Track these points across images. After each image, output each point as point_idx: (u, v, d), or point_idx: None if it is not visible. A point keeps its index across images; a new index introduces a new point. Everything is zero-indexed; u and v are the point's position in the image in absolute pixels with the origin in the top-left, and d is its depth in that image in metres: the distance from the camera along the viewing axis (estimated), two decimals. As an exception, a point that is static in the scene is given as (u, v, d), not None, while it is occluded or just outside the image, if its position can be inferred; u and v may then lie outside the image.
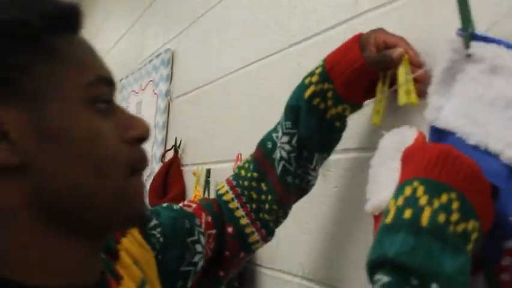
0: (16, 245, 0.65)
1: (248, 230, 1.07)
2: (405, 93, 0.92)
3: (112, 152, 0.68)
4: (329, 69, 1.00)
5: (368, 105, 1.06)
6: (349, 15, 1.20)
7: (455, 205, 0.66)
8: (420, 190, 0.67)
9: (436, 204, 0.66)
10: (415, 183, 0.68)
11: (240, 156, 1.53)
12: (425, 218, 0.65)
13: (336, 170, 1.18)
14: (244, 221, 1.07)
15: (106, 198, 0.68)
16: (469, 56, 0.81)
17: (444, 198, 0.66)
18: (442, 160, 0.69)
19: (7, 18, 0.64)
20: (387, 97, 0.99)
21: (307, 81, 1.04)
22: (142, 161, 0.73)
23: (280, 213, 1.09)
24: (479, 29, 0.81)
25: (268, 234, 1.09)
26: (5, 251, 0.65)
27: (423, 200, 0.66)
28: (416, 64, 0.94)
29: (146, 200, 2.18)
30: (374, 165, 0.92)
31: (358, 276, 1.08)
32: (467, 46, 0.80)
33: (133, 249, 0.87)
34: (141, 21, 2.99)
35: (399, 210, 0.67)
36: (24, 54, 0.65)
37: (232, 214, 1.07)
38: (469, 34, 0.80)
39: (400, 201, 0.68)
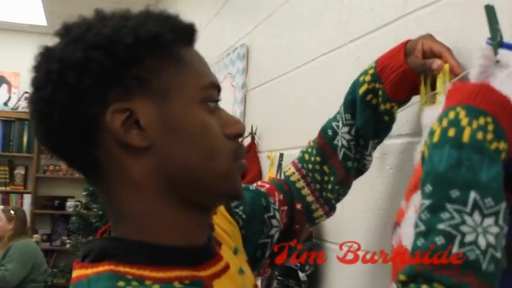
0: (147, 212, 0.84)
1: (313, 207, 1.23)
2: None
3: (219, 142, 0.86)
4: (380, 71, 1.15)
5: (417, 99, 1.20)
6: (399, 14, 1.34)
7: (490, 127, 0.80)
8: (462, 114, 0.81)
9: (475, 125, 0.80)
10: (458, 109, 0.82)
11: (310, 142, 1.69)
12: (466, 135, 0.79)
13: (391, 153, 1.33)
14: (310, 198, 1.23)
15: (214, 178, 0.85)
16: (497, 62, 0.94)
17: (481, 120, 0.80)
18: (481, 91, 0.84)
19: (147, 32, 0.82)
20: (430, 98, 1.13)
21: (361, 79, 1.19)
22: (241, 151, 0.91)
23: (341, 192, 1.25)
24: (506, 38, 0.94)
25: (330, 210, 1.26)
26: (139, 217, 0.84)
27: (464, 122, 0.80)
28: (455, 74, 1.06)
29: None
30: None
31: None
32: (495, 53, 0.93)
33: (223, 224, 1.05)
34: (218, 17, 3.18)
35: (444, 130, 0.81)
36: (157, 59, 0.83)
37: (300, 192, 1.24)
38: (496, 43, 0.93)
39: (445, 123, 0.82)
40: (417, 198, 0.96)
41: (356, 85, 1.21)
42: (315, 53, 1.79)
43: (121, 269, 0.79)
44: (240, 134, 0.90)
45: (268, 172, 1.99)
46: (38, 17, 6.70)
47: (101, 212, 2.58)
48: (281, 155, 1.93)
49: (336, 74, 1.64)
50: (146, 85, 0.82)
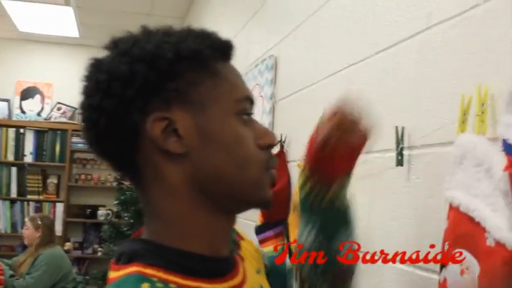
0: (178, 215, 0.89)
1: None
2: None
3: (252, 152, 0.90)
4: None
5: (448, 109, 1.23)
6: (424, 26, 1.37)
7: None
8: None
9: None
10: None
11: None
12: None
13: (418, 163, 1.36)
14: None
15: (246, 186, 0.90)
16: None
17: None
18: None
19: (187, 48, 0.89)
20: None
21: (299, 186, 1.20)
22: (273, 161, 0.96)
23: None
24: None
25: None
26: (170, 219, 0.90)
27: None
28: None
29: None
30: (453, 161, 1.10)
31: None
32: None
33: (250, 249, 1.10)
34: (246, 29, 3.24)
35: None
36: (196, 73, 0.89)
37: None
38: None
39: None
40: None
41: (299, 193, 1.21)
42: (342, 63, 1.83)
43: (148, 271, 0.84)
44: (272, 145, 0.95)
45: (298, 181, 2.02)
46: (70, 28, 6.83)
47: (132, 221, 2.62)
48: (310, 165, 1.96)
49: (363, 85, 1.67)
50: (185, 97, 0.88)
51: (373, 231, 1.55)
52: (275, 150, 2.34)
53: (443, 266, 1.13)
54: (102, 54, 0.92)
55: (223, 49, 0.95)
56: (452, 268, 1.09)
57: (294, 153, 2.23)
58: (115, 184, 7.54)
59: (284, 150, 2.31)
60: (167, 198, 0.89)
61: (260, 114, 2.68)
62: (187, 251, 0.88)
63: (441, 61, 1.30)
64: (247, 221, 2.82)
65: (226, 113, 0.90)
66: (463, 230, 1.06)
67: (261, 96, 2.69)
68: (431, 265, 1.26)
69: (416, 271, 1.34)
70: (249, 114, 0.93)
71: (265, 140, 0.93)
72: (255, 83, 2.81)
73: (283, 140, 2.32)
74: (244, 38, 3.29)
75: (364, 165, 1.58)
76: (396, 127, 1.41)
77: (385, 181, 1.50)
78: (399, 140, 1.39)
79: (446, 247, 1.12)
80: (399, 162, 1.38)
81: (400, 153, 1.38)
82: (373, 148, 1.57)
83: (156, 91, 0.87)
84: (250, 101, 0.94)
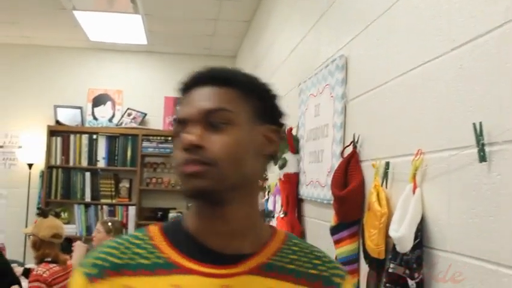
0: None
1: None
2: None
3: (177, 155, 1.12)
4: None
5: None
6: (502, 21, 1.35)
7: None
8: None
9: None
10: None
11: (420, 151, 1.71)
12: None
13: (498, 159, 1.34)
14: None
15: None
16: None
17: None
18: None
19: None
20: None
21: None
22: (184, 160, 1.11)
23: None
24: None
25: None
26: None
27: None
28: None
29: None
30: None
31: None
32: None
33: None
34: (314, 30, 3.24)
35: None
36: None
37: None
38: None
39: None
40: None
41: None
42: (415, 61, 1.82)
43: (152, 228, 1.19)
44: (183, 147, 1.11)
45: (373, 181, 2.02)
46: (138, 36, 6.99)
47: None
48: (387, 164, 1.96)
49: (438, 82, 1.65)
50: None
51: (454, 230, 1.53)
52: (348, 150, 2.34)
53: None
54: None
55: (202, 77, 1.18)
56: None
57: (366, 153, 2.23)
58: (184, 187, 7.69)
59: (357, 151, 2.31)
60: None
61: (331, 115, 2.68)
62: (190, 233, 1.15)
63: (522, 55, 1.28)
64: (322, 222, 2.82)
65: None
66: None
67: (332, 96, 2.69)
68: (516, 263, 1.24)
69: (500, 269, 1.32)
70: (178, 132, 1.14)
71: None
72: (325, 84, 2.81)
73: (355, 140, 2.32)
74: (312, 39, 3.30)
75: (440, 163, 1.57)
76: (474, 124, 1.39)
77: (464, 178, 1.49)
78: (479, 136, 1.37)
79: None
80: (483, 158, 1.36)
81: (482, 149, 1.36)
82: (449, 145, 1.56)
83: None
84: (177, 121, 1.15)
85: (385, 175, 1.96)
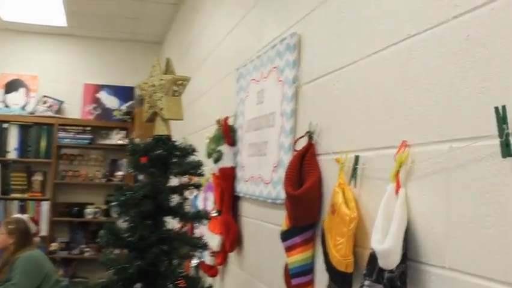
0: None
1: None
2: None
3: None
4: None
5: None
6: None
7: None
8: None
9: None
10: None
11: (404, 143, 1.39)
12: None
13: (529, 154, 1.03)
14: None
15: None
16: None
17: None
18: None
19: None
20: None
21: None
22: None
23: None
24: None
25: None
26: None
27: None
28: None
29: (282, 191, 2.09)
30: None
31: None
32: None
33: None
34: (257, 7, 2.90)
35: None
36: None
37: None
38: None
39: None
40: None
41: None
42: (396, 35, 1.50)
43: None
44: None
45: (338, 178, 1.69)
46: (57, 17, 6.47)
47: (133, 225, 2.28)
48: (356, 158, 1.63)
49: (433, 58, 1.34)
50: None
51: (454, 242, 1.21)
52: (302, 141, 2.01)
53: None
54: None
55: None
56: None
57: (326, 146, 1.90)
58: (104, 181, 7.27)
59: (313, 142, 1.98)
60: None
61: (279, 102, 2.34)
62: None
63: None
64: (265, 224, 2.49)
65: None
66: None
67: (280, 81, 2.35)
68: None
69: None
70: None
71: None
72: (272, 67, 2.47)
73: (312, 130, 1.98)
74: (254, 18, 2.95)
75: (435, 158, 1.27)
76: (497, 107, 1.07)
77: (473, 178, 1.17)
78: (502, 125, 1.06)
79: None
80: (508, 152, 1.04)
81: (507, 140, 1.04)
82: (450, 136, 1.25)
83: None
84: None
85: (355, 172, 1.64)
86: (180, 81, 2.45)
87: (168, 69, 2.44)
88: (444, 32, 1.30)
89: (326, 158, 1.89)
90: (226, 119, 3.10)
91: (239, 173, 2.95)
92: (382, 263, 1.33)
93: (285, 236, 2.00)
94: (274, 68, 2.44)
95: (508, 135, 1.05)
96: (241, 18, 3.24)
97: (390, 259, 1.30)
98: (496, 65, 1.13)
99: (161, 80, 2.45)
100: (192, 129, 4.63)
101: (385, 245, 1.29)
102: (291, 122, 2.22)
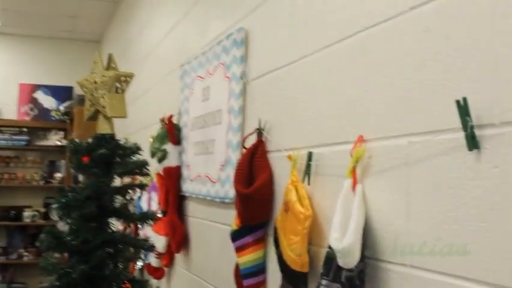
0: None
1: None
2: None
3: None
4: None
5: None
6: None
7: None
8: None
9: None
10: None
11: (361, 138, 1.36)
12: None
13: (495, 147, 1.00)
14: None
15: None
16: None
17: None
18: None
19: None
20: None
21: None
22: None
23: None
24: None
25: None
26: None
27: None
28: None
29: (231, 189, 2.03)
30: None
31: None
32: None
33: None
34: (201, 3, 2.83)
35: None
36: None
37: None
38: None
39: None
40: None
41: None
42: (352, 28, 1.46)
43: None
44: None
45: (290, 176, 1.64)
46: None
47: (75, 227, 2.18)
48: (310, 155, 1.59)
49: (387, 53, 1.30)
50: None
51: (413, 238, 1.18)
52: (251, 138, 1.96)
53: None
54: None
55: None
56: None
57: (276, 142, 1.85)
58: (42, 183, 7.05)
59: (263, 139, 1.93)
60: None
61: (226, 99, 2.28)
62: None
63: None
64: (213, 223, 2.43)
65: None
66: None
67: (227, 77, 2.29)
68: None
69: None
70: None
71: None
72: (218, 63, 2.41)
73: (261, 127, 1.93)
74: (198, 13, 2.88)
75: (394, 153, 1.24)
76: (458, 101, 1.04)
77: (434, 173, 1.14)
78: (465, 117, 1.03)
79: None
80: (474, 145, 1.02)
81: (472, 133, 1.01)
82: (409, 130, 1.22)
83: None
84: None
85: (307, 169, 1.59)
86: (123, 78, 2.36)
87: (110, 65, 2.35)
88: (401, 24, 1.27)
89: (277, 155, 1.85)
90: (171, 117, 3.03)
91: (185, 172, 2.88)
92: (341, 261, 1.29)
93: (236, 235, 1.94)
94: (221, 64, 2.38)
95: (472, 127, 1.02)
96: (184, 14, 3.16)
97: (349, 257, 1.26)
98: (456, 56, 1.10)
99: (104, 76, 2.36)
100: (135, 128, 4.52)
101: (344, 243, 1.25)
102: (239, 119, 2.16)
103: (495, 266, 0.99)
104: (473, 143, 1.01)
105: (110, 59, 2.37)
